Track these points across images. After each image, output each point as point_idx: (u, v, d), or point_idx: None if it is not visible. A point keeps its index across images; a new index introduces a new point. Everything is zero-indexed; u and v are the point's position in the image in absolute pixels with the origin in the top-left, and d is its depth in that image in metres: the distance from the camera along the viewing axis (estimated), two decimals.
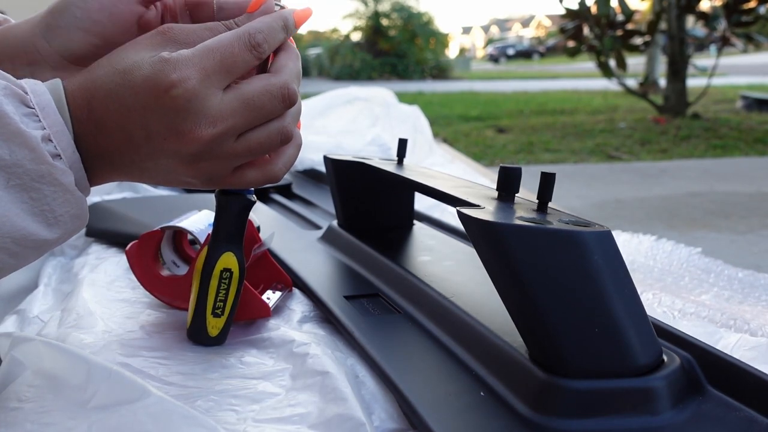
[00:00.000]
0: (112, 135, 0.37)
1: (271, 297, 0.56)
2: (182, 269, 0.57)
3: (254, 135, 0.38)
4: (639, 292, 0.39)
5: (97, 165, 0.38)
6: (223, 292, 0.47)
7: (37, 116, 0.35)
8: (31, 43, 0.41)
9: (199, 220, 0.54)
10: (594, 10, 5.91)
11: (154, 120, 0.36)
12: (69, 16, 0.41)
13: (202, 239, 0.53)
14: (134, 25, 0.43)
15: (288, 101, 0.38)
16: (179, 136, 0.36)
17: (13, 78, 0.35)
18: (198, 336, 0.47)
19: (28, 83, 0.35)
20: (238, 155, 0.38)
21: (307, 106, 1.53)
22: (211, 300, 0.46)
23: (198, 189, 0.42)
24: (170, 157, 0.37)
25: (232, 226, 0.46)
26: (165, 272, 0.55)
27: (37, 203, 0.35)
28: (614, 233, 0.40)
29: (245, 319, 0.52)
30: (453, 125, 6.22)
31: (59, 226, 0.36)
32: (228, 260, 0.46)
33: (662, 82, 7.18)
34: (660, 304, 0.56)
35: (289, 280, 0.59)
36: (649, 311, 0.41)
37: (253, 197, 0.46)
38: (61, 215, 0.36)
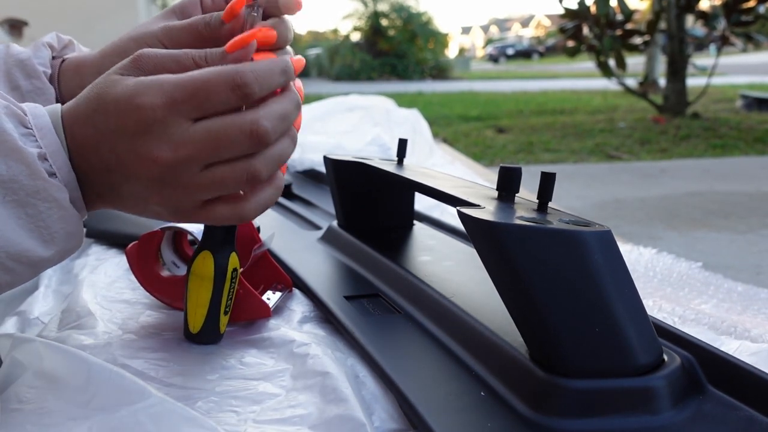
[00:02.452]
0: (90, 159, 0.37)
1: (271, 297, 0.56)
2: (182, 270, 0.57)
3: (219, 169, 0.37)
4: (639, 294, 0.39)
5: (83, 190, 0.38)
6: (233, 290, 0.48)
7: (34, 136, 0.36)
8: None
9: None
10: (593, 9, 5.90)
11: (121, 142, 0.36)
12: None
13: None
14: None
15: (256, 139, 0.37)
16: (141, 159, 0.36)
17: (14, 101, 0.37)
18: (210, 336, 0.48)
19: (28, 106, 0.37)
20: (203, 187, 0.37)
21: (307, 112, 1.53)
22: (224, 300, 0.47)
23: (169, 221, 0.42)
24: (138, 181, 0.37)
25: (223, 228, 0.47)
26: (165, 273, 0.55)
27: (32, 219, 0.36)
28: None
29: (245, 319, 0.52)
30: (453, 125, 6.22)
31: (54, 243, 0.37)
32: (235, 260, 0.47)
33: (662, 81, 7.18)
34: (660, 311, 0.56)
35: (289, 281, 0.59)
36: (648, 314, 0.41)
37: None
38: (56, 232, 0.37)
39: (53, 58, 0.48)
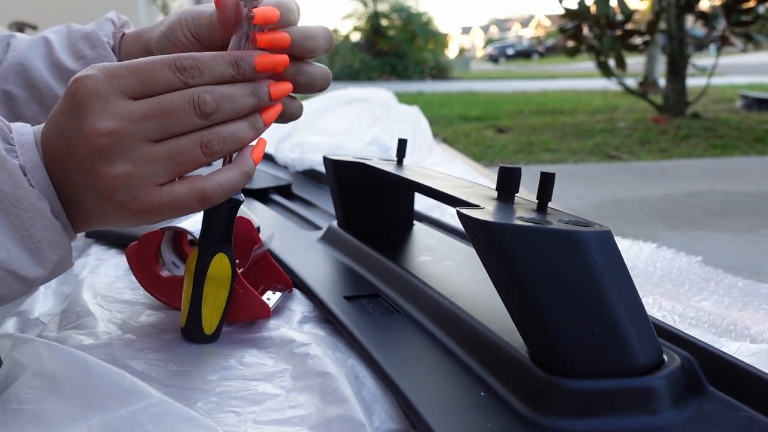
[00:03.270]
0: (52, 156, 0.38)
1: (271, 297, 0.56)
2: (182, 270, 0.57)
3: (171, 141, 0.38)
4: (639, 294, 0.39)
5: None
6: (217, 291, 0.47)
7: (15, 152, 0.37)
8: (149, 50, 0.50)
9: (199, 221, 0.54)
10: (593, 10, 5.90)
11: (67, 124, 0.37)
12: (167, 43, 0.49)
13: None
14: None
15: (199, 109, 0.37)
16: (82, 133, 0.36)
17: (3, 119, 0.38)
18: (193, 335, 0.48)
19: (17, 124, 0.39)
20: (157, 161, 0.37)
21: (306, 107, 1.53)
22: (207, 300, 0.47)
23: (133, 224, 0.41)
24: (87, 162, 0.37)
25: (221, 227, 0.46)
26: (165, 273, 0.55)
27: (17, 228, 0.36)
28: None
29: (245, 319, 0.52)
30: (453, 125, 6.22)
31: (40, 254, 0.38)
32: (220, 261, 0.47)
33: (662, 81, 7.18)
34: (660, 309, 0.56)
35: (289, 281, 0.59)
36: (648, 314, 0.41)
37: (241, 197, 0.46)
38: (40, 241, 0.37)
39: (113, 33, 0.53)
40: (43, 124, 0.39)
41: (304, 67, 0.45)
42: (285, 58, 0.41)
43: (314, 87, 0.45)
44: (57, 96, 0.47)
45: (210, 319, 0.48)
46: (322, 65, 0.46)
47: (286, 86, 0.42)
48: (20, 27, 2.10)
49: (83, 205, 0.39)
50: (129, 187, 0.37)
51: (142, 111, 0.36)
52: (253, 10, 0.40)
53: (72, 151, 0.37)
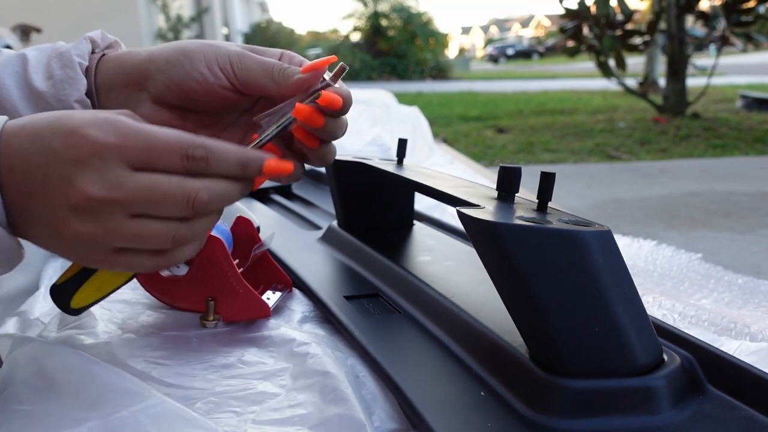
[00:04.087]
0: (12, 173, 0.36)
1: (271, 297, 0.56)
2: (182, 269, 0.57)
3: (146, 223, 0.36)
4: (639, 294, 0.39)
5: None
6: (111, 277, 0.47)
7: None
8: (144, 74, 0.45)
9: None
10: (593, 10, 5.90)
11: (54, 164, 0.35)
12: (176, 68, 0.44)
13: None
14: (225, 107, 0.45)
15: (191, 208, 0.36)
16: (69, 187, 0.35)
17: None
18: (59, 298, 0.47)
19: None
20: (124, 236, 0.36)
21: None
22: (97, 277, 0.46)
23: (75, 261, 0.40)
24: (58, 207, 0.35)
25: None
26: (164, 273, 0.55)
27: None
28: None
29: (245, 318, 0.52)
30: (453, 125, 6.22)
31: None
32: None
33: (662, 81, 7.18)
34: (660, 307, 0.56)
35: (289, 281, 0.59)
36: (648, 314, 0.41)
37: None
38: None
39: (94, 52, 0.48)
40: (18, 123, 0.37)
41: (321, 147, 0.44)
42: (291, 166, 0.40)
43: (327, 160, 0.45)
44: (20, 117, 0.41)
45: (85, 296, 0.47)
46: (334, 145, 0.45)
47: (286, 167, 0.40)
48: (24, 30, 2.10)
49: (29, 227, 0.37)
50: (88, 243, 0.37)
51: (136, 189, 0.35)
52: (323, 91, 0.41)
53: (46, 189, 0.35)
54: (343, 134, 0.44)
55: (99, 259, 0.38)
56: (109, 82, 0.46)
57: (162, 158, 0.36)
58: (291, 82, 0.42)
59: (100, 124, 0.35)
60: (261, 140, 0.41)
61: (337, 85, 0.42)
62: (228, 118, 0.47)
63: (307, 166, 0.45)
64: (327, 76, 0.42)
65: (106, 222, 0.36)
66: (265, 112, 0.43)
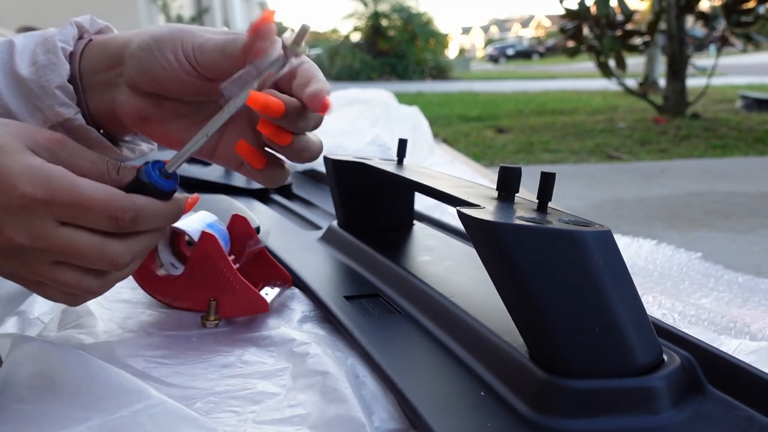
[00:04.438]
0: None
1: (269, 292, 0.56)
2: (180, 270, 0.57)
3: (67, 271, 0.38)
4: (639, 294, 0.39)
5: None
6: None
7: None
8: (121, 59, 0.44)
9: (196, 221, 0.54)
10: (594, 10, 5.90)
11: None
12: (146, 53, 0.42)
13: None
14: (196, 94, 0.44)
15: (113, 266, 0.38)
16: None
17: None
18: None
19: None
20: (45, 277, 0.38)
21: None
22: None
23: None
24: None
25: None
26: (160, 272, 0.55)
27: None
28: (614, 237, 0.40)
29: (244, 314, 0.52)
30: (453, 125, 6.22)
31: None
32: None
33: (662, 82, 7.18)
34: (660, 307, 0.56)
35: (288, 276, 0.59)
36: (648, 313, 0.41)
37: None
38: None
39: (82, 37, 0.47)
40: None
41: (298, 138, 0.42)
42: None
43: (304, 157, 0.43)
44: (5, 103, 0.43)
45: None
46: (317, 137, 0.44)
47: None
48: (27, 31, 2.10)
49: None
50: (10, 274, 0.39)
51: (60, 243, 0.37)
52: (251, 92, 0.38)
53: None
54: (316, 126, 0.42)
55: (20, 282, 0.40)
56: (92, 68, 0.45)
57: (88, 216, 0.37)
58: (240, 50, 0.40)
59: (31, 177, 0.36)
60: (179, 159, 0.40)
61: (303, 53, 0.39)
62: (206, 108, 0.45)
63: (307, 166, 0.45)
64: (289, 38, 0.39)
65: (26, 263, 0.38)
66: (229, 78, 0.40)
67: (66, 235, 0.37)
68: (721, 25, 5.92)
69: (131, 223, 0.37)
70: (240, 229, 0.57)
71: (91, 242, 0.37)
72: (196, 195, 0.43)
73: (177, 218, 0.40)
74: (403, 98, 2.03)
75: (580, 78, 13.66)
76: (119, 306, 0.55)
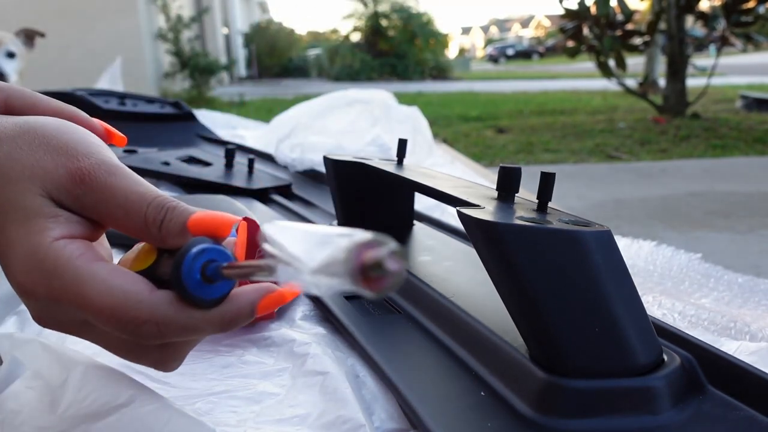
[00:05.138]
0: None
1: None
2: None
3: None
4: (639, 294, 0.39)
5: None
6: None
7: None
8: None
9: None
10: (593, 10, 5.90)
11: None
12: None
13: None
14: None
15: None
16: (14, 284, 0.31)
17: None
18: None
19: None
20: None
21: (306, 108, 1.53)
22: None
23: None
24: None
25: None
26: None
27: None
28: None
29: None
30: (453, 126, 6.22)
31: None
32: None
33: (662, 82, 7.18)
34: (660, 307, 0.56)
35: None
36: (648, 313, 0.41)
37: None
38: None
39: None
40: None
41: None
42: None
43: None
44: None
45: None
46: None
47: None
48: (28, 34, 2.10)
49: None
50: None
51: (87, 337, 0.33)
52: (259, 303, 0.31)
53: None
54: None
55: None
56: None
57: (100, 325, 0.30)
58: (176, 235, 0.31)
59: (30, 271, 0.30)
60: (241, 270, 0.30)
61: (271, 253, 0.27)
62: None
63: (307, 166, 0.45)
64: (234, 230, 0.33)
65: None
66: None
67: (89, 331, 0.32)
68: (721, 25, 5.93)
69: (152, 337, 0.29)
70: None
71: (117, 343, 0.32)
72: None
73: (226, 329, 0.31)
74: (403, 98, 2.03)
75: (580, 78, 13.67)
76: None
